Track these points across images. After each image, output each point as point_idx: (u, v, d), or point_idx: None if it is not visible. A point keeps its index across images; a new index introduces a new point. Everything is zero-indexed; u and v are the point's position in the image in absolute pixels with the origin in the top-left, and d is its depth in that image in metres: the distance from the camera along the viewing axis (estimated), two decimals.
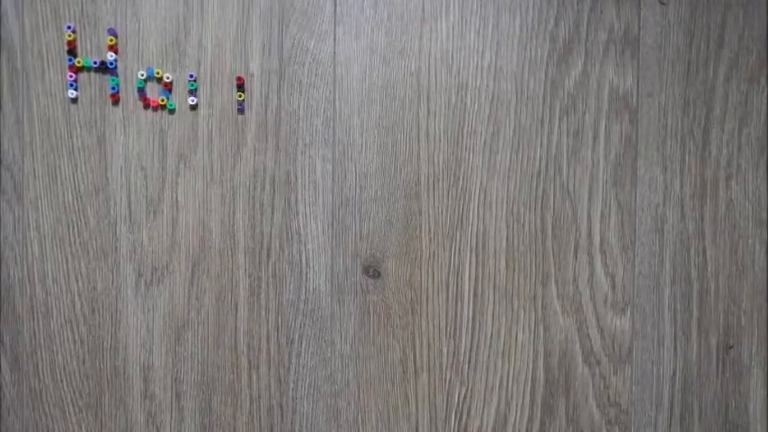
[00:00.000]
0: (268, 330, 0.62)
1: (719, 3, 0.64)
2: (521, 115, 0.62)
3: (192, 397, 0.61)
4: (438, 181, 0.62)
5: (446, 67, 0.62)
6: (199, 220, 0.61)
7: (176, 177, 0.61)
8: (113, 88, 0.60)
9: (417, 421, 0.63)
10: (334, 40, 0.61)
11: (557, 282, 0.63)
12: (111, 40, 0.59)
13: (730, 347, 0.64)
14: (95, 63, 0.59)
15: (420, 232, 0.62)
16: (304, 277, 0.62)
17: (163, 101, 0.60)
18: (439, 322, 0.63)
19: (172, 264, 0.61)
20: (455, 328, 0.63)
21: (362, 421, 0.62)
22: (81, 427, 0.61)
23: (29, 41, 0.59)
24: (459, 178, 0.62)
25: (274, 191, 0.61)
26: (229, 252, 0.61)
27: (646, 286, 0.64)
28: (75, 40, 0.59)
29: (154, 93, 0.60)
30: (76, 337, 0.61)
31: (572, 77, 0.63)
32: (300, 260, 0.62)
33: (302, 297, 0.62)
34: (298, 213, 0.61)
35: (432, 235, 0.62)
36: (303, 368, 0.62)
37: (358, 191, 0.62)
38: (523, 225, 0.63)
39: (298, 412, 0.62)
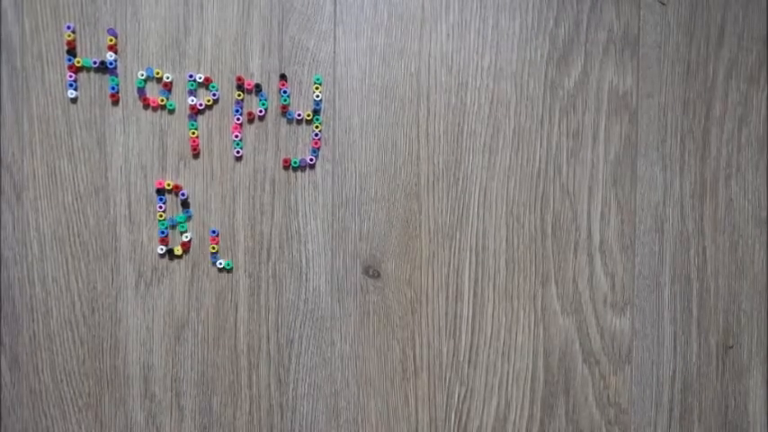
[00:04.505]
0: (268, 330, 0.62)
1: (719, 3, 0.64)
2: (520, 115, 0.62)
3: (191, 397, 0.61)
4: (438, 181, 0.62)
5: (446, 67, 0.62)
6: (199, 220, 0.61)
7: (176, 177, 0.61)
8: (113, 88, 0.60)
9: (417, 421, 0.63)
10: (334, 40, 0.61)
11: (556, 282, 0.63)
12: (111, 41, 0.59)
13: (730, 347, 0.64)
14: (95, 63, 0.59)
15: (420, 232, 0.62)
16: (304, 277, 0.62)
17: (163, 101, 0.60)
18: (438, 322, 0.63)
19: (172, 264, 0.61)
20: (455, 328, 0.63)
21: (362, 421, 0.63)
22: (81, 428, 0.61)
23: (29, 41, 0.59)
24: (458, 178, 0.62)
25: (274, 191, 0.61)
26: (229, 252, 0.61)
27: (645, 286, 0.64)
28: (74, 40, 0.59)
29: (154, 93, 0.60)
30: (76, 337, 0.61)
31: (572, 77, 0.63)
32: (300, 260, 0.62)
33: (302, 297, 0.62)
34: (298, 213, 0.62)
35: (431, 235, 0.62)
36: (303, 368, 0.62)
37: (358, 191, 0.62)
38: (523, 225, 0.63)
39: (298, 412, 0.62)
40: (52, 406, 0.61)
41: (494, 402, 0.63)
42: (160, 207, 0.60)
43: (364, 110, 0.62)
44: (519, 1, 0.62)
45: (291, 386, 0.62)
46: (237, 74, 0.61)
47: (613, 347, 0.64)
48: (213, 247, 0.61)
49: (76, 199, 0.60)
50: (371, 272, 0.62)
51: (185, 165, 0.61)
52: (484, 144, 0.62)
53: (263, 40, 0.61)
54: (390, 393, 0.63)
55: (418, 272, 0.62)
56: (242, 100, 0.61)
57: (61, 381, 0.61)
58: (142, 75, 0.60)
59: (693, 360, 0.64)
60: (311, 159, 0.61)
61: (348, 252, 0.62)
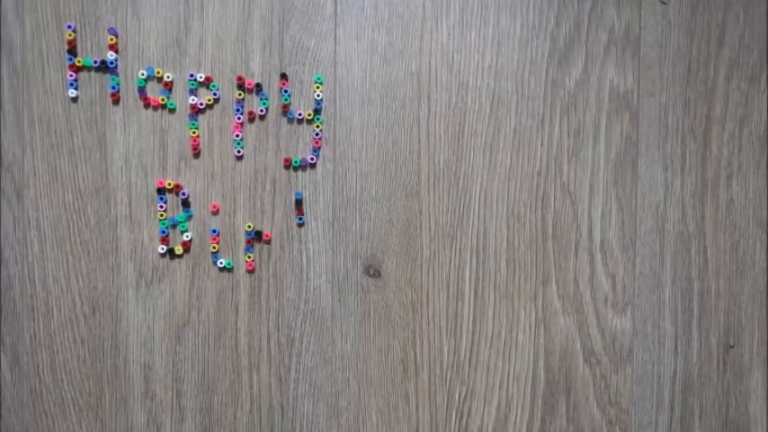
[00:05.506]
0: (268, 330, 0.62)
1: (720, 2, 0.64)
2: (521, 115, 0.62)
3: (192, 397, 0.61)
4: (438, 180, 0.62)
5: (447, 66, 0.62)
6: (199, 219, 0.61)
7: (177, 177, 0.61)
8: (114, 88, 0.60)
9: (418, 421, 0.63)
10: (335, 39, 0.61)
11: (557, 281, 0.63)
12: (112, 40, 0.59)
13: (731, 347, 0.64)
14: (96, 62, 0.59)
15: (420, 232, 0.62)
16: (305, 277, 0.62)
17: (163, 100, 0.60)
18: (439, 322, 0.63)
19: (172, 263, 0.61)
20: (455, 328, 0.63)
21: (363, 421, 0.62)
22: (81, 427, 0.61)
23: (29, 41, 0.59)
24: (459, 178, 0.62)
25: (275, 190, 0.61)
26: (230, 252, 0.61)
27: (646, 286, 0.64)
28: (75, 39, 0.59)
29: (154, 92, 0.60)
30: (77, 336, 0.61)
31: (572, 77, 0.63)
32: (301, 260, 0.62)
33: (303, 297, 0.62)
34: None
35: (432, 234, 0.62)
36: (304, 368, 0.62)
37: (359, 190, 0.62)
38: (524, 225, 0.63)
39: (298, 412, 0.62)
40: (53, 405, 0.61)
41: (494, 402, 0.63)
42: (161, 206, 0.60)
43: (365, 109, 0.62)
44: (520, 0, 0.62)
45: (292, 386, 0.62)
46: (238, 73, 0.61)
47: (614, 347, 0.63)
48: (214, 247, 0.61)
49: (77, 198, 0.60)
50: (372, 271, 0.62)
51: (186, 164, 0.61)
52: (485, 143, 0.62)
53: (263, 39, 0.61)
54: (391, 393, 0.63)
55: (419, 271, 0.62)
56: (243, 99, 0.61)
57: (62, 380, 0.61)
58: (143, 74, 0.60)
59: (694, 360, 0.64)
60: (312, 159, 0.61)
61: (349, 251, 0.62)
